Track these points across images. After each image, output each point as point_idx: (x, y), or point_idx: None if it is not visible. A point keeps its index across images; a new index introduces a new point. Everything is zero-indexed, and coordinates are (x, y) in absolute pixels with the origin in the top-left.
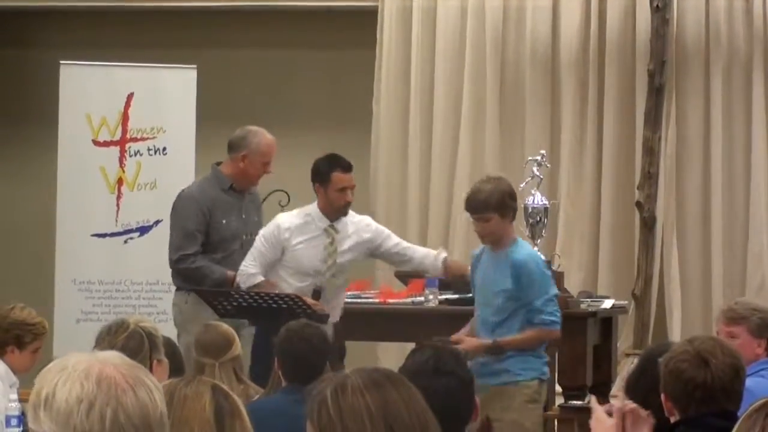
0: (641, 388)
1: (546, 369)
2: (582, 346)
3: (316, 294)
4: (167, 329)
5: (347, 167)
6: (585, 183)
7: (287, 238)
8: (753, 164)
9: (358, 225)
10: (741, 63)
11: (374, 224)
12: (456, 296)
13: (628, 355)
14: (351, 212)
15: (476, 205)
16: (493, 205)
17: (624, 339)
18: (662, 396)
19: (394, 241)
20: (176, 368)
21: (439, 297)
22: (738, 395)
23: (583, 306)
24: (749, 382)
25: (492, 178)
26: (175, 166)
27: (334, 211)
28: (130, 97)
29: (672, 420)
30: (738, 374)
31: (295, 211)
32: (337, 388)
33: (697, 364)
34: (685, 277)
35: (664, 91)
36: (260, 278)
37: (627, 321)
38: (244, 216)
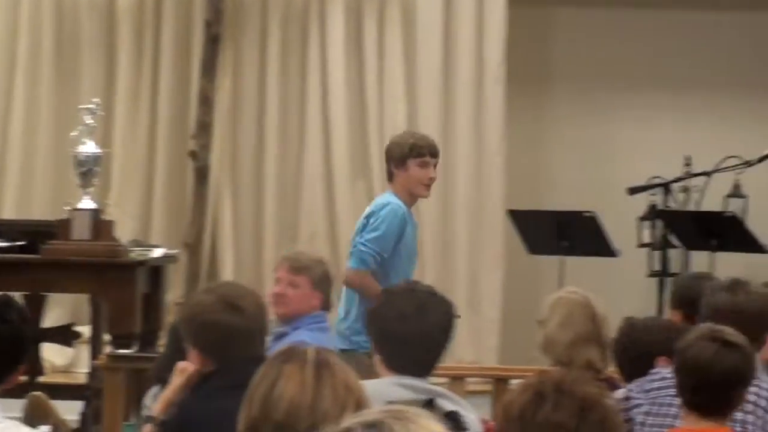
0: None
1: None
2: (131, 295)
3: None
4: None
5: None
6: (139, 132)
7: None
8: (308, 117)
9: None
10: (297, 15)
11: None
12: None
13: (177, 304)
14: None
15: (438, 147)
16: None
17: (175, 288)
18: (195, 349)
19: None
20: None
21: None
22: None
23: (132, 255)
24: (306, 335)
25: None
26: None
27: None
28: None
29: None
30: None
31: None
32: None
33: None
34: (238, 227)
35: (221, 42)
36: None
37: (179, 270)
38: None
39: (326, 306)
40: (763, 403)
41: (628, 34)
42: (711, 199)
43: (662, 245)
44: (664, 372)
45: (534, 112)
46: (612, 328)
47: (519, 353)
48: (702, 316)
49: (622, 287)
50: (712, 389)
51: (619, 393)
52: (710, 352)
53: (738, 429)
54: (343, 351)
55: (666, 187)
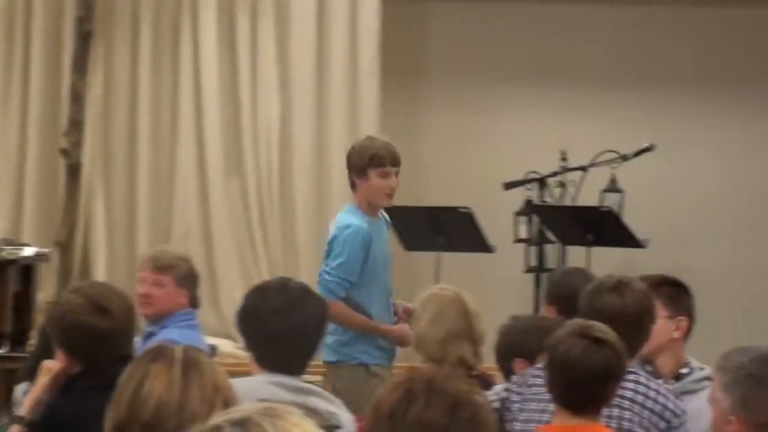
0: None
1: None
2: (2, 294)
3: None
4: None
5: None
6: (10, 129)
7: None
8: (180, 113)
9: None
10: (169, 10)
11: None
12: None
13: (48, 303)
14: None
15: (399, 157)
16: None
17: (46, 287)
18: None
19: None
20: None
21: None
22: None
23: (3, 253)
24: (175, 333)
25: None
26: None
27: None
28: None
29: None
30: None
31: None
32: None
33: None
34: (111, 225)
35: (93, 38)
36: None
37: (51, 269)
38: None
39: (194, 303)
40: (640, 398)
41: (505, 28)
42: (588, 193)
43: (539, 240)
44: (538, 372)
45: (409, 107)
46: (489, 325)
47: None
48: (584, 316)
49: (499, 283)
50: (581, 386)
51: (498, 389)
52: (579, 350)
53: (613, 425)
54: (332, 363)
55: (542, 181)
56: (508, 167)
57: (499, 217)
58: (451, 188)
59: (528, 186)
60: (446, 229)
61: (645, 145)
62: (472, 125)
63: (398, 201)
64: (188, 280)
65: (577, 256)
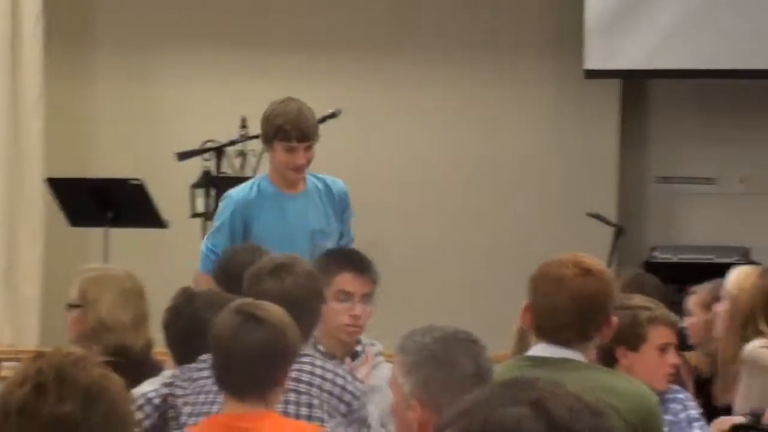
0: None
1: None
2: None
3: None
4: None
5: None
6: None
7: None
8: None
9: None
10: None
11: None
12: None
13: None
14: None
15: (310, 131)
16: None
17: None
18: None
19: None
20: None
21: None
22: None
23: None
24: None
25: (293, 98)
26: None
27: None
28: None
29: None
30: None
31: None
32: None
33: None
34: None
35: None
36: None
37: None
38: None
39: None
40: (317, 381)
41: None
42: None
43: None
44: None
45: (76, 72)
46: (164, 304)
47: (61, 334)
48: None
49: (175, 259)
50: (240, 368)
51: (166, 375)
52: (233, 328)
53: (291, 410)
54: None
55: (219, 151)
56: (185, 137)
57: (176, 190)
58: (123, 159)
59: (206, 156)
60: (115, 203)
61: (330, 111)
62: (144, 93)
63: (62, 172)
64: None
65: None
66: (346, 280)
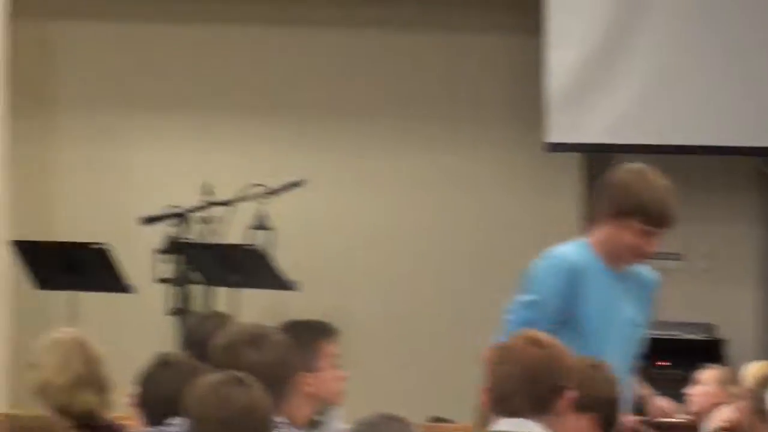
0: None
1: None
2: None
3: None
4: None
5: None
6: None
7: None
8: None
9: None
10: None
11: None
12: None
13: None
14: None
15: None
16: None
17: None
18: None
19: None
20: None
21: None
22: None
23: None
24: None
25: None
26: None
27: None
28: None
29: None
30: None
31: None
32: None
33: None
34: None
35: None
36: None
37: None
38: None
39: None
40: None
41: (144, 52)
42: (236, 230)
43: (182, 280)
44: (181, 422)
45: (40, 135)
46: (128, 370)
47: (31, 398)
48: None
49: (141, 325)
50: None
51: None
52: (212, 394)
53: None
54: None
55: (183, 217)
56: (150, 201)
57: (141, 255)
58: (88, 223)
59: (170, 222)
60: (80, 267)
61: (293, 179)
62: (110, 156)
63: (26, 234)
64: None
65: (226, 297)
66: (333, 346)
